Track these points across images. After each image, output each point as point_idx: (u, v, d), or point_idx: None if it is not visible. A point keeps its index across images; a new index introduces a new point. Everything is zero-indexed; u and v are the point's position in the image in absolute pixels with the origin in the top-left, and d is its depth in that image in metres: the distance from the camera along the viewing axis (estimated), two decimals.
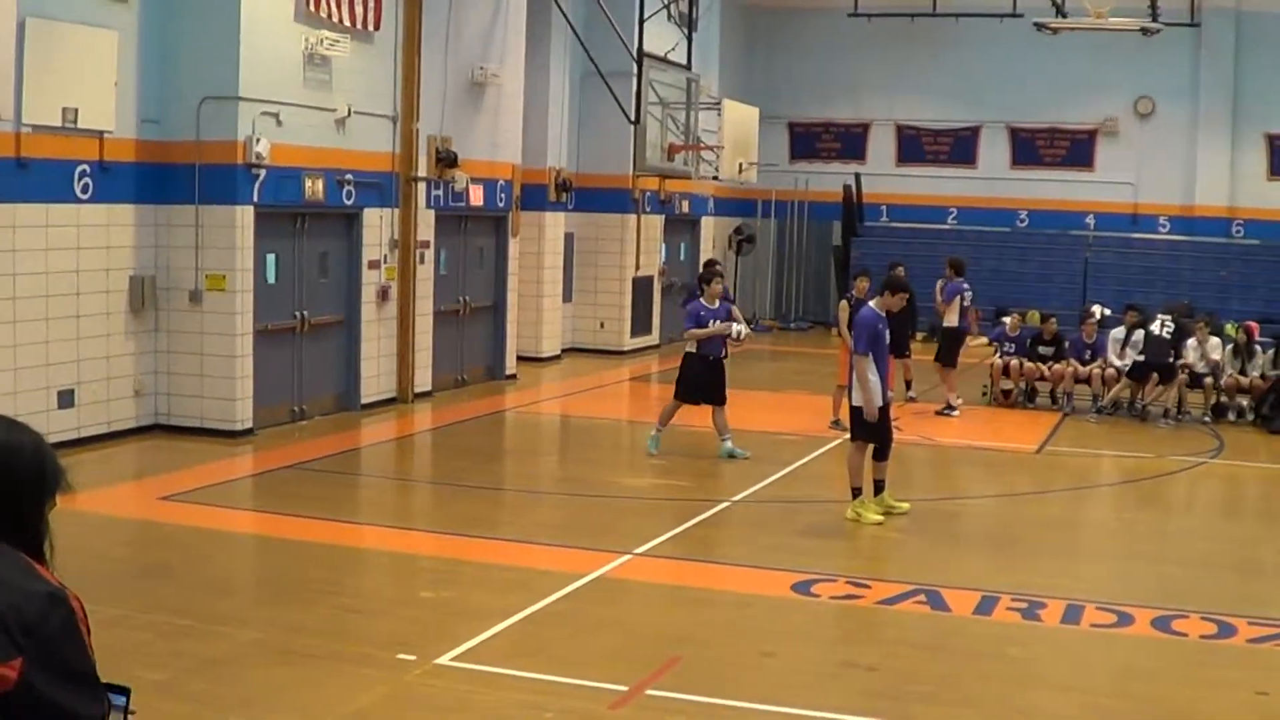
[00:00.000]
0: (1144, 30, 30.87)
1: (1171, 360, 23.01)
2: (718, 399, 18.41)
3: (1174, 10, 32.13)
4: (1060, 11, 31.11)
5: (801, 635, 11.04)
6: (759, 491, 16.40)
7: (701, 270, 19.29)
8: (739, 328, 18.72)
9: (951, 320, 23.59)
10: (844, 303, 21.47)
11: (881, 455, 15.01)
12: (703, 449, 18.69)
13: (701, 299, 18.49)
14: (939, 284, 24.44)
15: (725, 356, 18.66)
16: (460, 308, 23.99)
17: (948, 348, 23.37)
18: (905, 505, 15.20)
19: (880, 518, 14.69)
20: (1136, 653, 10.84)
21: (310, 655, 9.88)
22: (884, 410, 14.85)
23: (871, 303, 15.28)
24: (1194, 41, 35.69)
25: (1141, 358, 22.99)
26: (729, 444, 18.29)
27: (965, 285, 23.61)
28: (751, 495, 16.17)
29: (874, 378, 14.64)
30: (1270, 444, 21.52)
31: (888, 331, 15.19)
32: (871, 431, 14.79)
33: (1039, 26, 31.69)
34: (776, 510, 15.74)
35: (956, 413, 22.43)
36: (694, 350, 18.35)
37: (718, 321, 18.31)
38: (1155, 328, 23.35)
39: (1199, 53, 36.05)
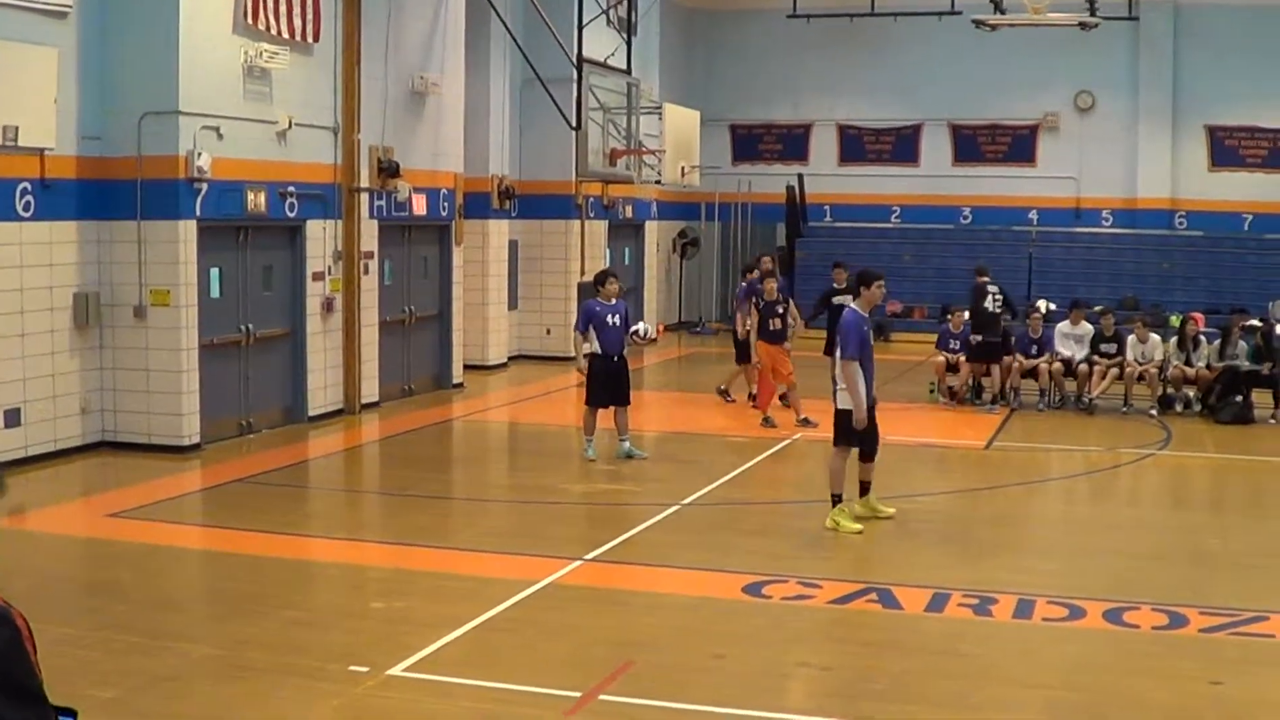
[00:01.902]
0: (1082, 25, 31.09)
1: (1000, 339, 23.51)
2: (621, 400, 18.53)
3: (1112, 4, 32.38)
4: (998, 8, 31.32)
5: (754, 637, 11.04)
6: (708, 494, 16.44)
7: (595, 275, 19.34)
8: (645, 326, 18.94)
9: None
10: (753, 308, 21.74)
11: (868, 456, 14.85)
12: (651, 452, 18.73)
13: (597, 297, 18.62)
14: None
15: (626, 350, 18.76)
16: (406, 317, 23.98)
17: None
18: (890, 510, 15.09)
19: (859, 527, 14.46)
20: (1089, 646, 10.88)
21: (261, 670, 9.86)
22: (870, 410, 14.66)
23: (853, 304, 14.93)
24: (1132, 35, 36.01)
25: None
26: (627, 444, 18.50)
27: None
28: (701, 498, 16.21)
29: (862, 383, 14.41)
30: (1217, 434, 21.72)
31: (871, 332, 14.93)
32: (855, 435, 14.61)
33: (977, 24, 31.88)
34: (726, 513, 15.78)
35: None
36: (596, 350, 18.42)
37: (615, 317, 18.41)
38: (987, 303, 23.64)
39: (1138, 46, 36.43)
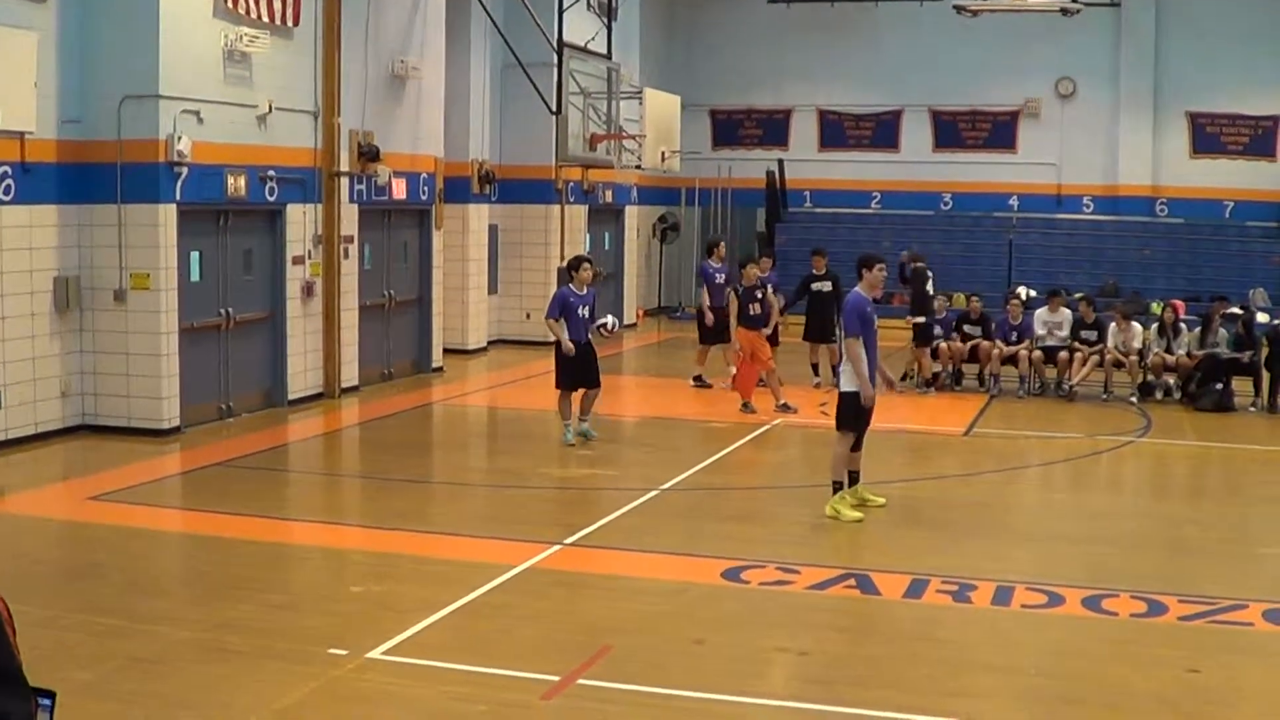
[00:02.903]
0: (1064, 11, 31.18)
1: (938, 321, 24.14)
2: (591, 381, 18.72)
3: None
4: None
5: (732, 622, 11.07)
6: (687, 479, 16.47)
7: (570, 260, 19.44)
8: (611, 319, 19.08)
9: None
10: (731, 295, 21.81)
11: (857, 445, 14.81)
12: (630, 437, 18.78)
13: (570, 285, 18.68)
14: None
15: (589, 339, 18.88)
16: (385, 302, 23.98)
17: None
18: (881, 499, 15.05)
19: (860, 515, 14.44)
20: (1067, 633, 10.93)
21: (241, 652, 9.88)
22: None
23: (857, 287, 14.82)
24: (1114, 21, 36.06)
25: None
26: (585, 425, 18.68)
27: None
28: (680, 483, 16.24)
29: (865, 362, 14.35)
30: (1197, 422, 21.78)
31: (875, 315, 14.88)
32: (860, 419, 14.62)
33: (959, 9, 31.95)
34: (705, 498, 15.82)
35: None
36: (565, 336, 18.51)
37: (585, 307, 18.62)
38: (929, 286, 24.18)
39: (1119, 32, 36.47)
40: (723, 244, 25.03)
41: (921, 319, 23.91)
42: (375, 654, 9.81)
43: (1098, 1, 32.40)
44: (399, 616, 10.70)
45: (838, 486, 14.61)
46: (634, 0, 33.42)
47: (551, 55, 27.14)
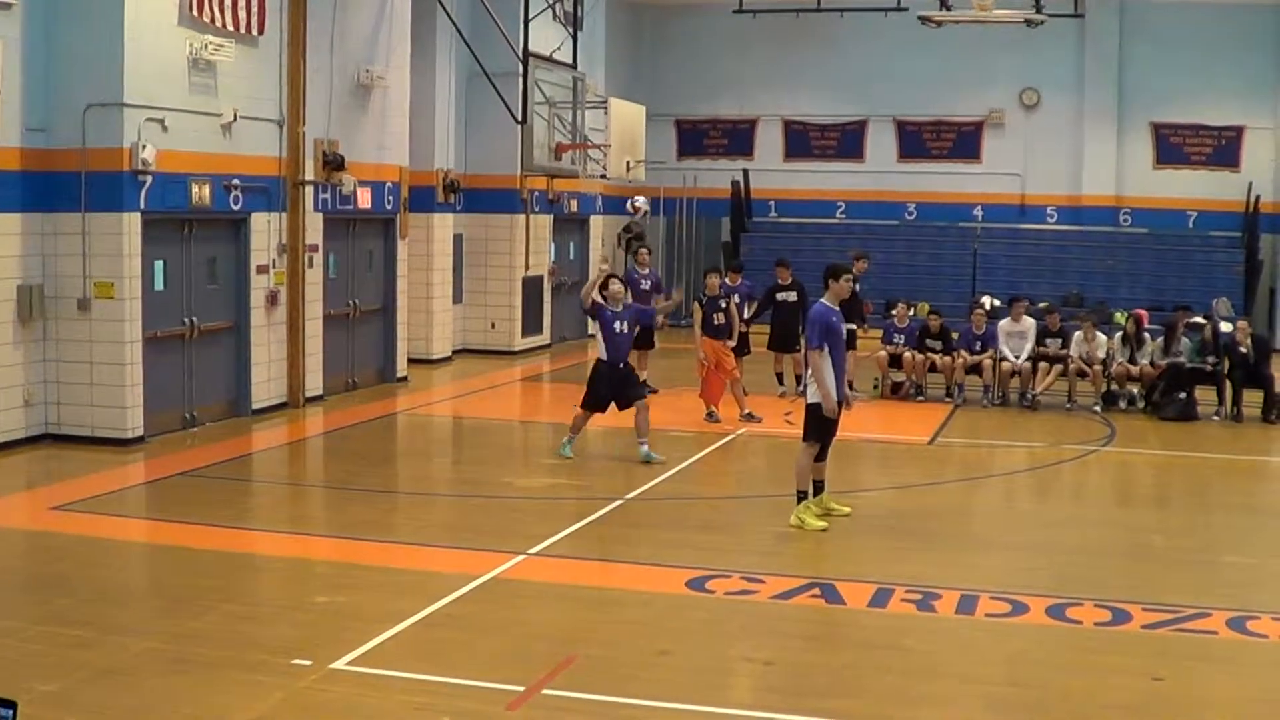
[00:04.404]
0: (1028, 22, 31.21)
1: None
2: (624, 401, 18.20)
3: (1058, 1, 32.44)
4: (944, 4, 31.39)
5: (697, 632, 11.08)
6: (652, 489, 16.48)
7: (602, 277, 19.18)
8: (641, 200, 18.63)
9: None
10: (696, 304, 21.85)
11: (822, 455, 14.81)
12: (596, 449, 18.76)
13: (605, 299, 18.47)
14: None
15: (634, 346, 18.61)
16: (350, 311, 23.93)
17: None
18: (846, 508, 15.10)
19: (825, 524, 14.47)
20: (1032, 641, 10.98)
21: (205, 663, 9.85)
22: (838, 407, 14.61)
23: (823, 298, 14.79)
24: (1078, 32, 36.17)
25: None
26: (645, 447, 18.06)
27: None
28: (644, 493, 16.25)
29: (829, 374, 14.37)
30: (1160, 431, 21.93)
31: (843, 325, 14.95)
32: (826, 430, 14.62)
33: (923, 20, 31.96)
34: (669, 507, 15.84)
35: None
36: (602, 356, 18.22)
37: (623, 323, 18.16)
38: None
39: (1083, 43, 36.63)
40: (645, 250, 25.14)
41: (850, 325, 23.86)
42: (339, 664, 9.79)
43: (1062, 13, 32.44)
44: (363, 627, 10.68)
45: (802, 496, 14.63)
46: (600, 10, 33.44)
47: (517, 65, 27.13)
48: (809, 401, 14.66)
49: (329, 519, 15.55)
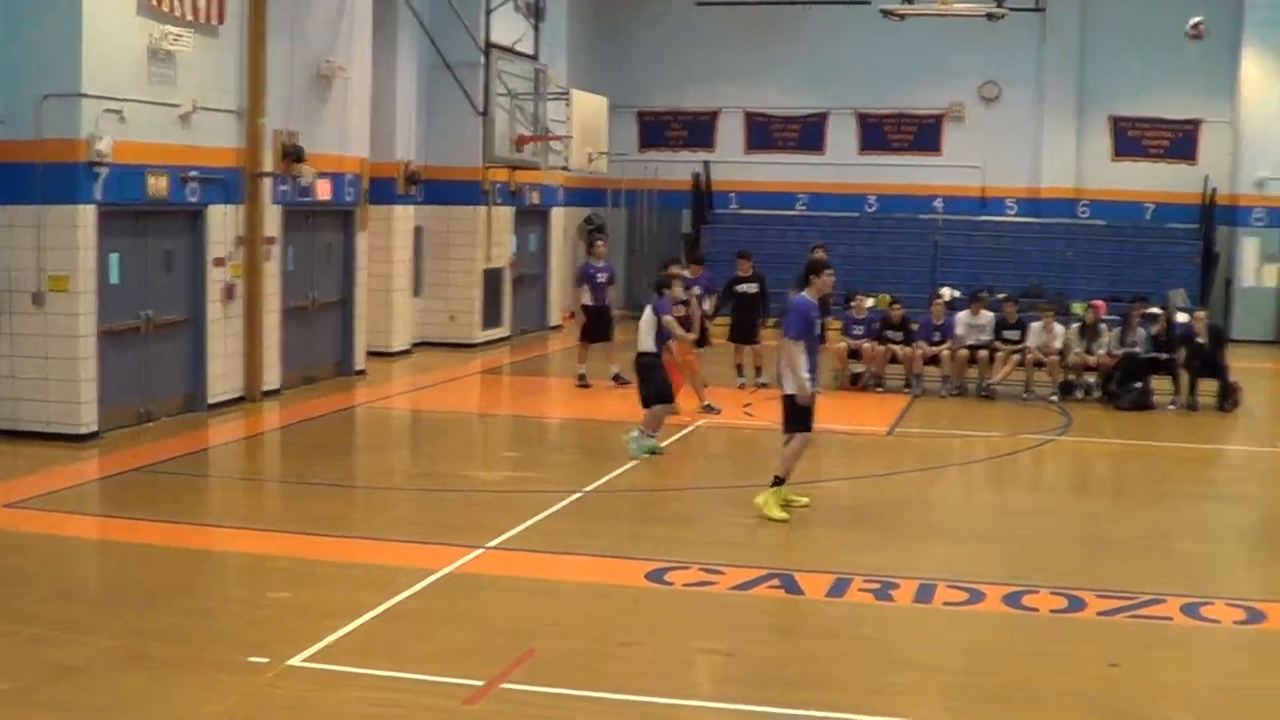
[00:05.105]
0: (989, 15, 31.23)
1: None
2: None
3: None
4: None
5: (657, 624, 11.09)
6: (610, 482, 16.46)
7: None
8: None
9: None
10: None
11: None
12: (554, 440, 18.74)
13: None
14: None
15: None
16: (308, 304, 23.79)
17: None
18: (805, 500, 15.09)
19: (786, 515, 14.51)
20: (988, 629, 11.09)
21: (162, 661, 9.80)
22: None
23: (804, 292, 14.88)
24: (1039, 26, 36.31)
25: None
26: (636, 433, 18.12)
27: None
28: (603, 485, 16.23)
29: (804, 364, 14.48)
30: (1116, 420, 22.07)
31: (819, 320, 15.12)
32: (804, 419, 14.71)
33: (886, 13, 31.97)
34: (628, 500, 15.83)
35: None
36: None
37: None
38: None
39: (1044, 36, 36.83)
40: (602, 241, 25.26)
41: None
42: (297, 661, 9.73)
43: (1023, 6, 32.43)
44: (321, 622, 10.63)
45: (779, 481, 14.66)
46: (562, 1, 33.38)
47: (479, 56, 27.11)
48: (785, 392, 14.74)
49: (286, 514, 15.48)
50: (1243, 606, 11.72)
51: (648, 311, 18.44)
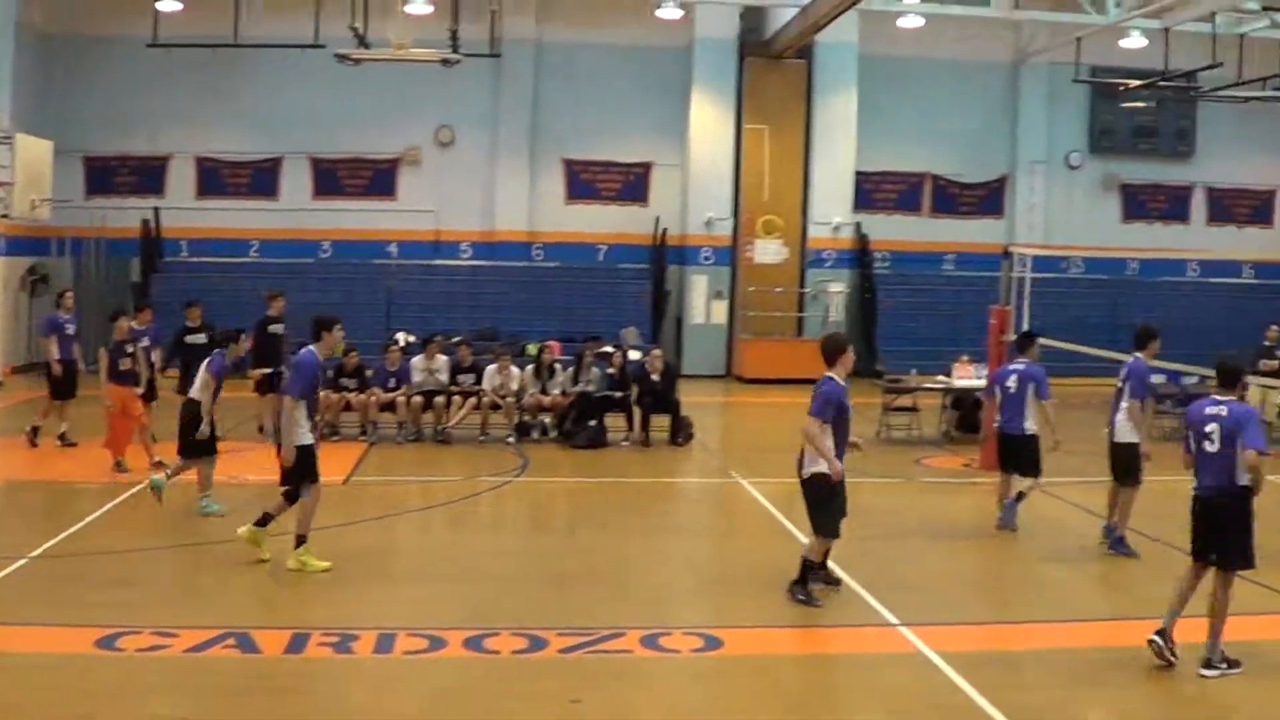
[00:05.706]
0: (445, 61, 31.48)
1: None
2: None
3: (476, 41, 32.67)
4: (362, 42, 31.29)
5: (111, 693, 10.70)
6: (57, 546, 15.73)
7: None
8: None
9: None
10: (102, 350, 21.17)
11: (290, 497, 14.91)
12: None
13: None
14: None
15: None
16: None
17: None
18: (267, 555, 14.94)
19: (327, 564, 14.64)
20: (450, 675, 11.18)
21: None
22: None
23: (313, 347, 14.87)
24: (495, 71, 37.08)
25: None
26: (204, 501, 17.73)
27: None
28: (48, 550, 15.50)
29: (303, 424, 14.56)
30: (573, 459, 22.78)
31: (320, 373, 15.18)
32: (309, 469, 14.74)
33: (340, 58, 31.86)
34: (75, 564, 15.13)
35: None
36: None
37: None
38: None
39: (499, 82, 37.78)
40: (70, 293, 24.62)
41: (269, 369, 23.54)
42: None
43: (479, 52, 32.86)
44: None
45: (301, 540, 14.66)
46: (7, 40, 32.17)
47: None
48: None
49: None
50: (700, 634, 12.22)
51: (204, 372, 17.71)
